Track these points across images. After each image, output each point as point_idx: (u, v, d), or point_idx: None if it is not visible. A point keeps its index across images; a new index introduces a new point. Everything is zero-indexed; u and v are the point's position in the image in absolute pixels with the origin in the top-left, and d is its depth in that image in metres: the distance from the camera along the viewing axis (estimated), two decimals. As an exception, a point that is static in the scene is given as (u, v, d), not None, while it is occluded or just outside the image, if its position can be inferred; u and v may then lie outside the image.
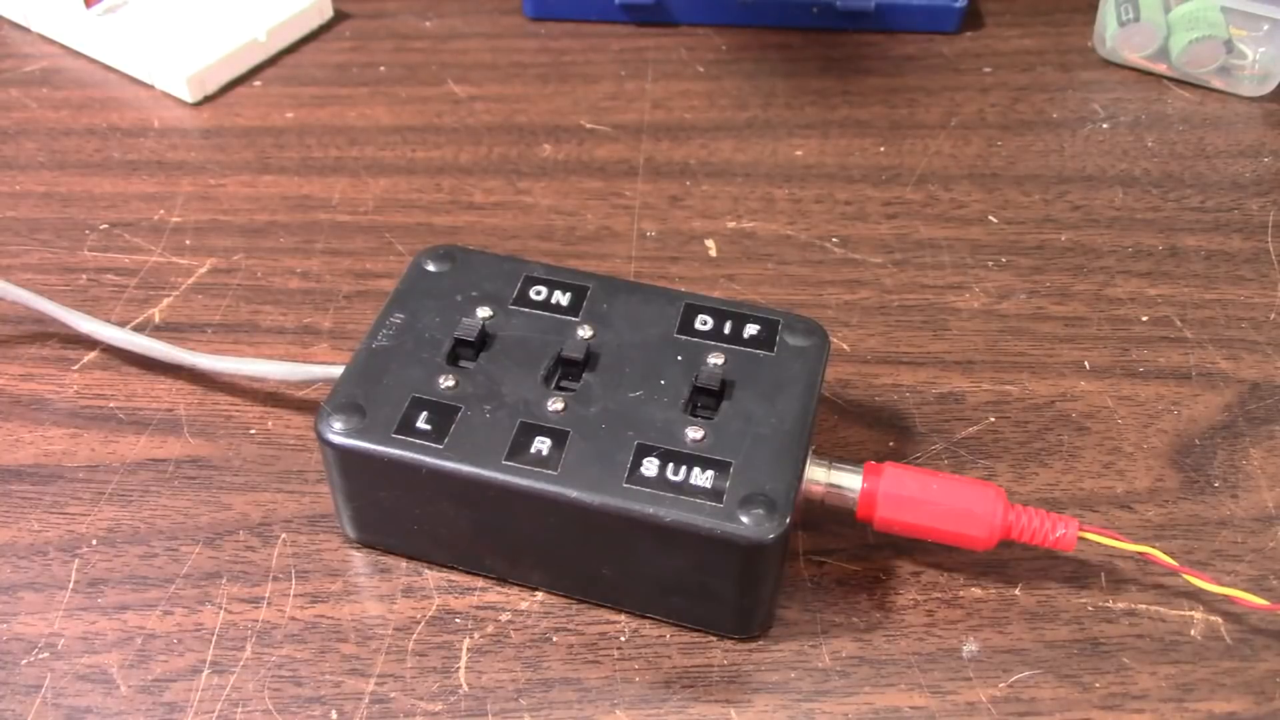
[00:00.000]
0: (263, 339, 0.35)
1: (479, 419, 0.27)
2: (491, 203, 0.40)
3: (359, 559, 0.29)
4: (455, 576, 0.29)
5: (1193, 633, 0.28)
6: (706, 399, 0.27)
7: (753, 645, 0.28)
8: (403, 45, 0.47)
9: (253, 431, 0.32)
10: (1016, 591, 0.29)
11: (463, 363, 0.28)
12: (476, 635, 0.28)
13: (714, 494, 0.25)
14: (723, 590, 0.26)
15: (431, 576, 0.29)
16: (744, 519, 0.25)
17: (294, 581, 0.29)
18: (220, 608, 0.28)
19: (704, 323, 0.29)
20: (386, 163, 0.41)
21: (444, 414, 0.27)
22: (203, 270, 0.37)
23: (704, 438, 0.26)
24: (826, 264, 0.37)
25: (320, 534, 0.30)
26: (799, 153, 0.42)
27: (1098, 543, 0.28)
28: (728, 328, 0.29)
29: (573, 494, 0.25)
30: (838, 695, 0.27)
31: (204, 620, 0.28)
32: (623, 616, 0.28)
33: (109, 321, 0.34)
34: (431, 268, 0.31)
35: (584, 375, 0.28)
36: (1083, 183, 0.41)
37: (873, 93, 0.45)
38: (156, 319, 0.35)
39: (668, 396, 0.27)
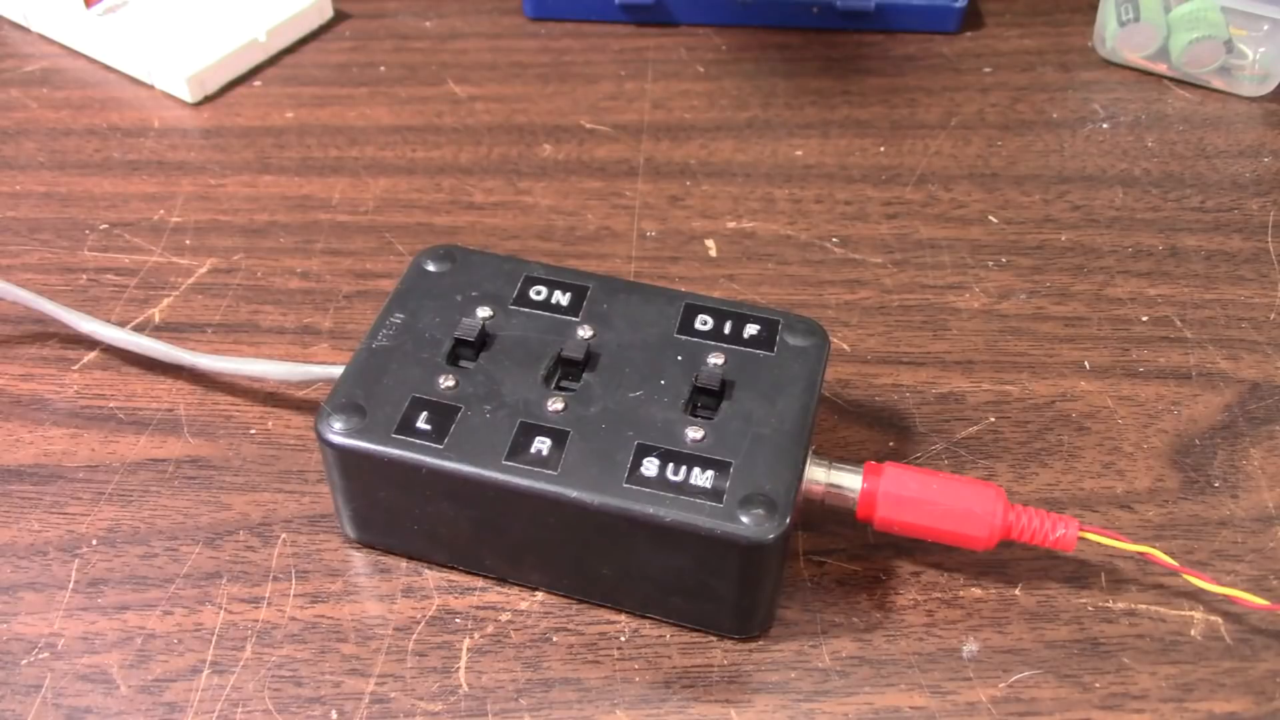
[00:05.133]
0: (263, 339, 0.35)
1: (479, 419, 0.27)
2: (491, 203, 0.40)
3: (359, 559, 0.29)
4: (455, 576, 0.29)
5: (1193, 633, 0.28)
6: (706, 399, 0.27)
7: (753, 645, 0.28)
8: (403, 45, 0.47)
9: (253, 431, 0.32)
10: (1016, 591, 0.29)
11: (463, 363, 0.28)
12: (476, 635, 0.28)
13: (714, 494, 0.25)
14: (723, 590, 0.26)
15: (431, 576, 0.29)
16: (744, 519, 0.25)
17: (294, 581, 0.29)
18: (220, 608, 0.28)
19: (704, 323, 0.29)
20: (386, 163, 0.41)
21: (444, 414, 0.27)
22: (203, 270, 0.37)
23: (704, 438, 0.26)
24: (826, 264, 0.37)
25: (320, 534, 0.30)
26: (799, 153, 0.42)
27: (1098, 543, 0.28)
28: (728, 328, 0.29)
29: (573, 494, 0.25)
30: (838, 695, 0.27)
31: (204, 620, 0.28)
32: (623, 616, 0.28)
33: (109, 321, 0.34)
34: (431, 268, 0.31)
35: (584, 375, 0.28)
36: (1083, 183, 0.41)
37: (873, 93, 0.45)
38: (156, 319, 0.35)
39: (668, 396, 0.27)
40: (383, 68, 0.46)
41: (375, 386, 0.27)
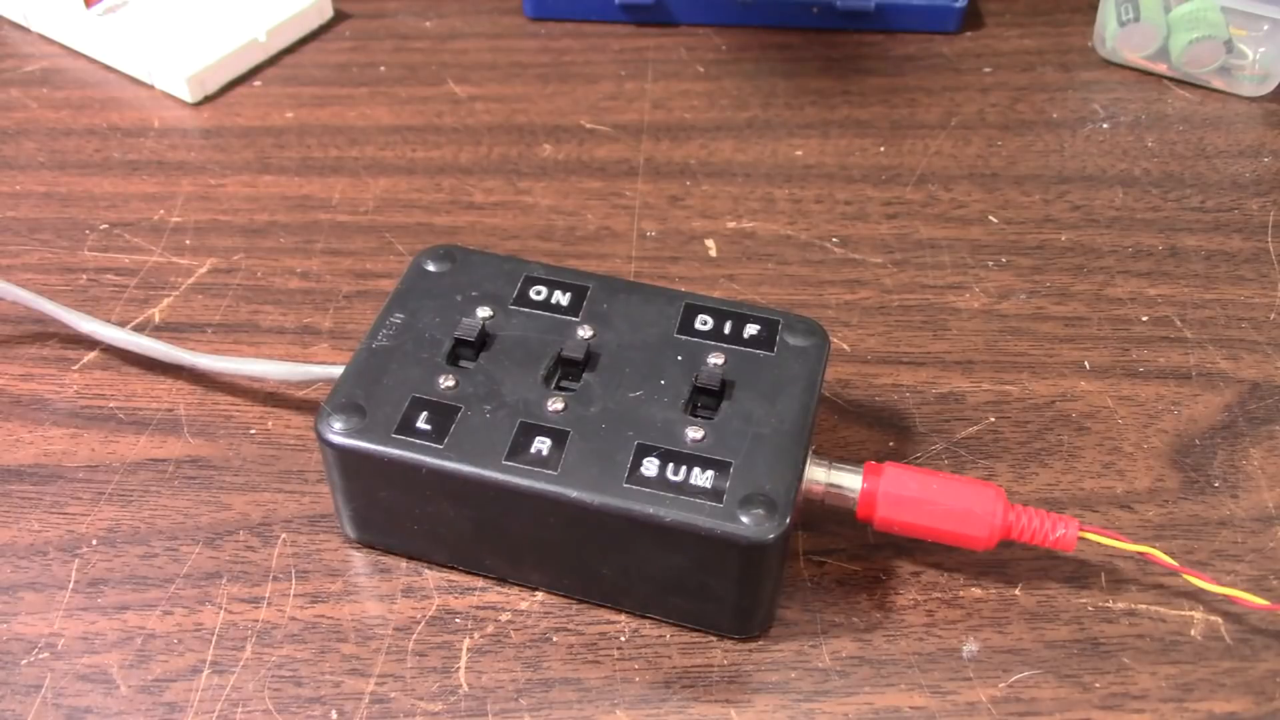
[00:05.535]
0: (263, 339, 0.35)
1: (479, 419, 0.27)
2: (491, 203, 0.40)
3: (359, 559, 0.29)
4: (455, 576, 0.29)
5: (1193, 633, 0.28)
6: (706, 399, 0.27)
7: (753, 645, 0.28)
8: (403, 45, 0.47)
9: (253, 431, 0.32)
10: (1016, 591, 0.29)
11: (463, 363, 0.28)
12: (476, 635, 0.28)
13: (714, 494, 0.25)
14: (723, 590, 0.26)
15: (431, 576, 0.29)
16: (744, 519, 0.25)
17: (294, 581, 0.29)
18: (220, 608, 0.28)
19: (704, 323, 0.29)
20: (386, 163, 0.41)
21: (444, 414, 0.27)
22: (203, 270, 0.37)
23: (704, 438, 0.26)
24: (826, 264, 0.37)
25: (320, 534, 0.30)
26: (799, 153, 0.42)
27: (1098, 543, 0.28)
28: (728, 328, 0.29)
29: (573, 494, 0.25)
30: (838, 695, 0.27)
31: (204, 620, 0.28)
32: (623, 616, 0.28)
33: (109, 321, 0.34)
34: (431, 268, 0.31)
35: (584, 375, 0.28)
36: (1083, 183, 0.41)
37: (873, 93, 0.45)
38: (156, 319, 0.35)
39: (668, 396, 0.27)
40: (383, 68, 0.46)
41: (375, 386, 0.27)
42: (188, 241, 0.38)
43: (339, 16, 0.48)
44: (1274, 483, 0.31)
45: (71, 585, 0.29)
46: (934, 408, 0.33)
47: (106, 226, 0.38)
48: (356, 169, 0.41)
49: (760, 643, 0.28)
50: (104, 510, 0.30)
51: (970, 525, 0.27)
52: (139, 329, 0.35)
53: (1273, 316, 0.36)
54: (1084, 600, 0.28)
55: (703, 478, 0.26)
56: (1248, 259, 0.38)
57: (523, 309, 0.30)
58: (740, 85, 0.45)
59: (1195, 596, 0.29)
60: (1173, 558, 0.28)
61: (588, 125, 0.43)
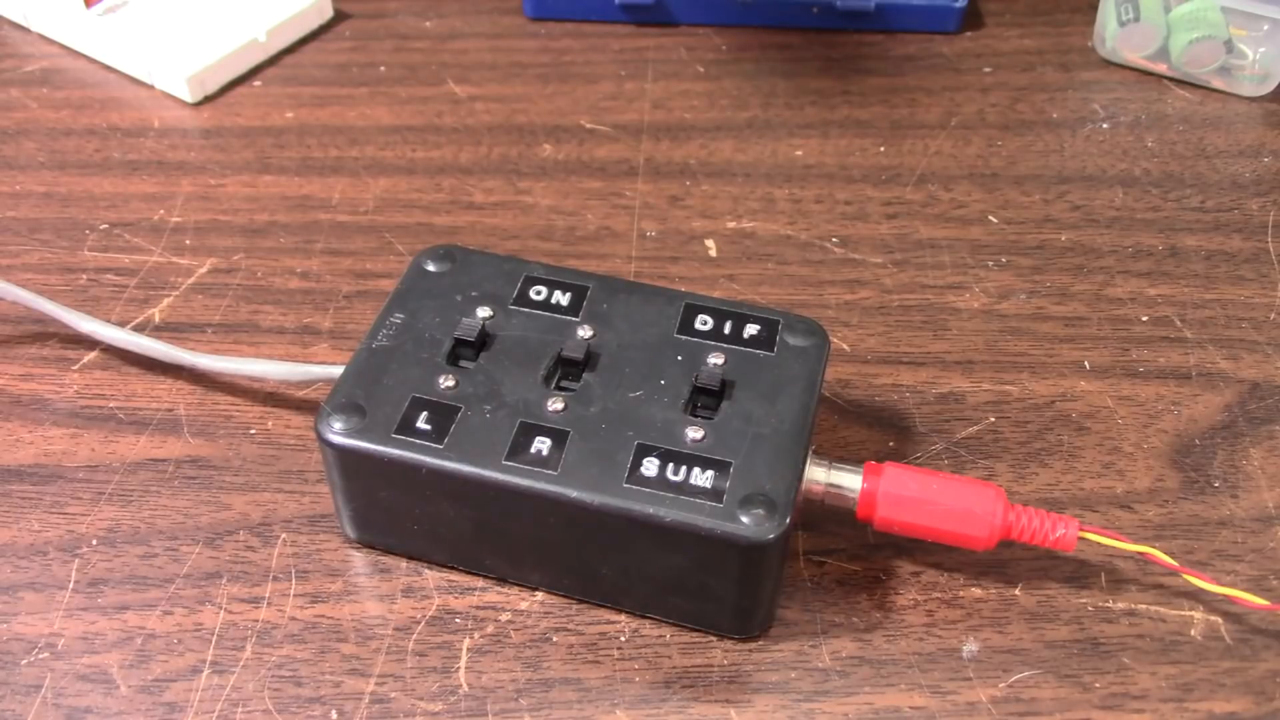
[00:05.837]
0: (263, 339, 0.35)
1: (479, 419, 0.27)
2: (491, 203, 0.40)
3: (359, 559, 0.29)
4: (455, 576, 0.29)
5: (1193, 633, 0.28)
6: (706, 399, 0.27)
7: (753, 645, 0.28)
8: (403, 45, 0.47)
9: (253, 431, 0.32)
10: (1016, 591, 0.29)
11: (463, 363, 0.28)
12: (476, 635, 0.28)
13: (714, 494, 0.25)
14: (723, 590, 0.26)
15: (431, 576, 0.29)
16: (744, 519, 0.25)
17: (294, 581, 0.29)
18: (220, 608, 0.28)
19: (704, 323, 0.29)
20: (386, 163, 0.41)
21: (444, 414, 0.27)
22: (203, 270, 0.37)
23: (704, 438, 0.26)
24: (826, 264, 0.37)
25: (320, 534, 0.30)
26: (799, 153, 0.42)
27: (1098, 543, 0.28)
28: (728, 328, 0.29)
29: (573, 494, 0.25)
30: (838, 695, 0.27)
31: (204, 620, 0.28)
32: (623, 616, 0.28)
33: (109, 321, 0.34)
34: (431, 268, 0.31)
35: (584, 375, 0.28)
36: (1083, 183, 0.41)
37: (873, 93, 0.45)
38: (156, 319, 0.35)
39: (668, 396, 0.27)
40: (383, 68, 0.46)
41: (375, 386, 0.27)
42: (188, 241, 0.38)
43: (339, 16, 0.48)
44: (1274, 483, 0.31)
45: (71, 585, 0.29)
46: (934, 408, 0.33)
47: (106, 226, 0.38)
48: (356, 169, 0.41)
49: (760, 643, 0.28)
50: (104, 510, 0.30)
51: (970, 525, 0.27)
52: (139, 329, 0.35)
53: (1273, 316, 0.36)
54: (1084, 600, 0.28)
55: (703, 478, 0.26)
56: (1248, 259, 0.38)
57: (523, 309, 0.30)
58: (740, 85, 0.45)
59: (1195, 596, 0.29)
60: (1173, 558, 0.28)
61: (588, 125, 0.43)
